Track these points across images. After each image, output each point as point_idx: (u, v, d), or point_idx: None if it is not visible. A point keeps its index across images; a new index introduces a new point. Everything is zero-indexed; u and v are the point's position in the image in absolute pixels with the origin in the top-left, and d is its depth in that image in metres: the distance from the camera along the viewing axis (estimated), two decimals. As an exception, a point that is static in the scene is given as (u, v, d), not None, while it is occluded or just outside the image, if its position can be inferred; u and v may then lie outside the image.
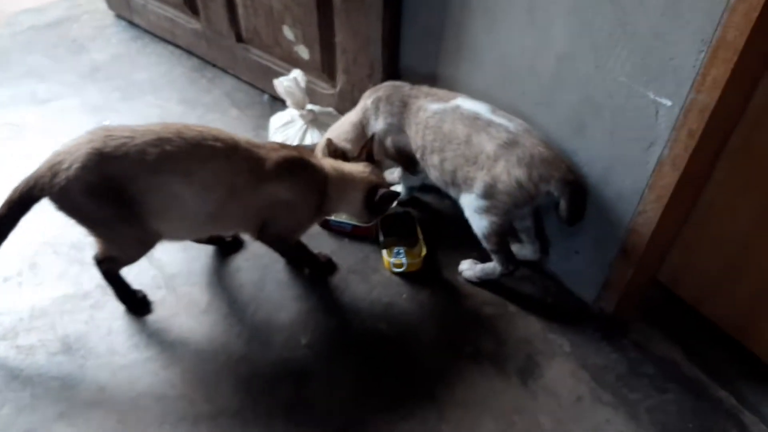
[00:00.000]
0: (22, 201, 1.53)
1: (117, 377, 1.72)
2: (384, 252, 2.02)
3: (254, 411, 1.64)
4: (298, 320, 1.87)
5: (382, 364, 1.78)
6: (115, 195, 1.50)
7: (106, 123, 2.54)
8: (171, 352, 1.78)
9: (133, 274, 1.86)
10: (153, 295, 1.92)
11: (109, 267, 1.76)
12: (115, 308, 1.87)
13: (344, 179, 1.78)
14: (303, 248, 1.93)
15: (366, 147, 1.86)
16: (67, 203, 1.52)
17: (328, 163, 1.79)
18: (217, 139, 1.57)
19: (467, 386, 1.72)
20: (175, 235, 1.75)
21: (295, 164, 1.67)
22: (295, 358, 1.77)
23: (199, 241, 2.01)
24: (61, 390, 1.67)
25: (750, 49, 1.24)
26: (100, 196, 1.50)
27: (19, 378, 1.69)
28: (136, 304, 1.87)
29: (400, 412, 1.65)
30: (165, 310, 1.89)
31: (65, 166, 1.47)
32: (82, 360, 1.75)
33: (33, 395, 1.65)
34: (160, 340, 1.81)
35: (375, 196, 1.77)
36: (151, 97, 2.74)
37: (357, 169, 1.82)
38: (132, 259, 1.75)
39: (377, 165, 1.93)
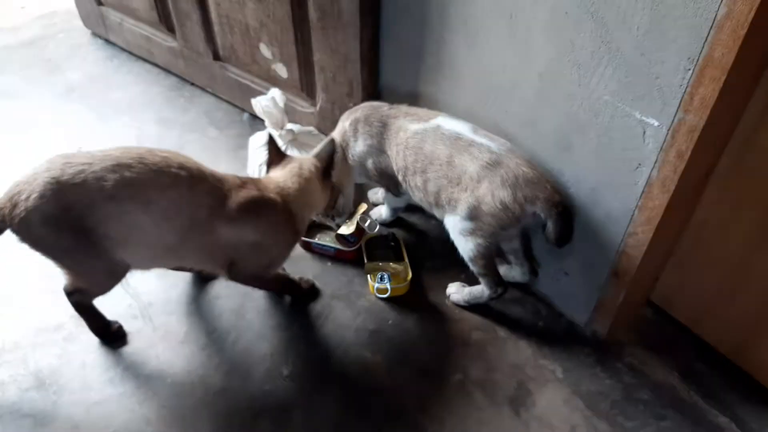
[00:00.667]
0: None
1: (91, 414, 1.64)
2: (368, 277, 1.96)
3: (233, 449, 1.57)
4: (280, 350, 1.80)
5: (368, 396, 1.71)
6: (75, 224, 1.43)
7: (80, 149, 2.48)
8: (147, 386, 1.71)
9: (108, 303, 1.77)
10: (128, 326, 1.84)
11: (80, 298, 1.69)
12: (90, 340, 1.80)
13: (301, 187, 1.70)
14: (282, 278, 1.87)
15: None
16: (28, 235, 1.45)
17: (278, 186, 1.68)
18: (182, 167, 1.49)
19: (457, 418, 1.66)
20: (143, 265, 1.67)
21: (259, 205, 1.59)
22: (277, 391, 1.70)
23: (175, 268, 1.94)
24: (32, 428, 1.60)
25: (739, 67, 1.20)
26: (59, 226, 1.43)
27: (-16, 418, 1.62)
28: (111, 335, 1.80)
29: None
30: (141, 342, 1.82)
31: (24, 196, 1.40)
32: (55, 396, 1.68)
33: (-1, 436, 1.58)
34: (135, 374, 1.74)
35: (330, 168, 1.77)
36: (128, 117, 2.67)
37: (300, 169, 1.73)
38: (102, 290, 1.67)
39: (334, 191, 1.89)
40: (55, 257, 1.53)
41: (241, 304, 1.92)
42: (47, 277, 1.92)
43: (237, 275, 1.71)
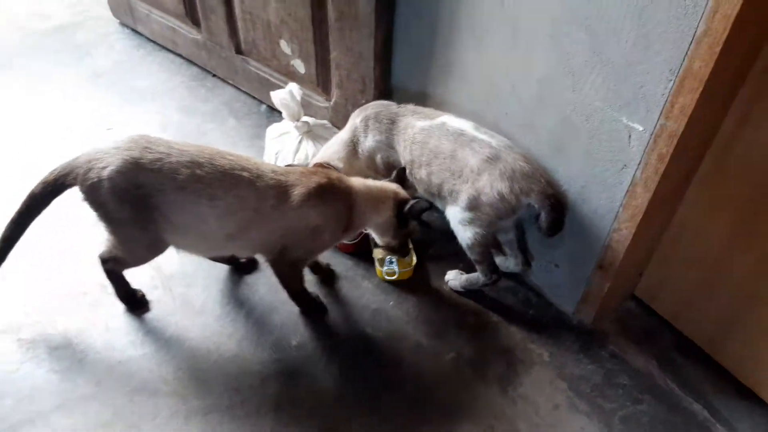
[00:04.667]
0: (56, 184, 1.64)
1: (113, 372, 1.79)
2: (377, 261, 2.10)
3: (243, 408, 1.72)
4: (289, 322, 1.95)
5: (368, 367, 1.86)
6: (139, 202, 1.59)
7: (110, 128, 2.63)
8: (165, 350, 1.86)
9: (131, 273, 1.93)
10: (150, 295, 2.00)
11: (113, 266, 1.84)
12: (114, 306, 1.95)
13: (373, 194, 1.84)
14: (302, 282, 1.95)
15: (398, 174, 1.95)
16: (95, 198, 1.61)
17: (358, 180, 1.84)
18: (243, 169, 1.65)
19: (448, 391, 1.80)
20: (191, 249, 1.83)
21: (327, 190, 1.72)
22: (285, 359, 1.85)
23: (215, 259, 2.08)
24: (59, 383, 1.75)
25: (715, 80, 1.33)
26: (125, 199, 1.59)
27: (19, 370, 1.77)
28: (135, 302, 1.95)
29: (383, 413, 1.74)
30: (161, 310, 1.97)
31: (102, 165, 1.57)
32: (81, 355, 1.83)
33: (33, 387, 1.73)
34: (155, 339, 1.89)
35: (404, 207, 1.84)
36: (152, 104, 2.82)
37: (384, 184, 1.89)
38: (138, 262, 1.84)
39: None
40: (110, 223, 1.69)
41: (255, 279, 2.07)
42: (76, 247, 2.09)
43: (281, 259, 1.81)
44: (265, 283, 2.05)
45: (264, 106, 2.83)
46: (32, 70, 2.99)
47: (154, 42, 3.19)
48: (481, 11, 1.78)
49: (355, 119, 2.08)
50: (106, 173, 1.56)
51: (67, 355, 1.83)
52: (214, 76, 2.99)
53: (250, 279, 2.07)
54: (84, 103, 2.80)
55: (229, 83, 2.94)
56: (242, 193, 1.64)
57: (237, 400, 1.73)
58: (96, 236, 2.11)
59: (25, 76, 2.95)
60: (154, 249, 1.76)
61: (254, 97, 2.86)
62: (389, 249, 2.05)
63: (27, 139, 2.57)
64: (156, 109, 2.80)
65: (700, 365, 1.91)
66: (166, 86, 2.94)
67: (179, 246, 1.78)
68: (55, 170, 1.65)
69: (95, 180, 1.57)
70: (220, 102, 2.86)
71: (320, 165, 2.01)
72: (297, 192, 1.68)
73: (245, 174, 1.64)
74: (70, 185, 1.63)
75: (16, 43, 3.18)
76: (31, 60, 3.06)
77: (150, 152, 1.59)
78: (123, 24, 3.32)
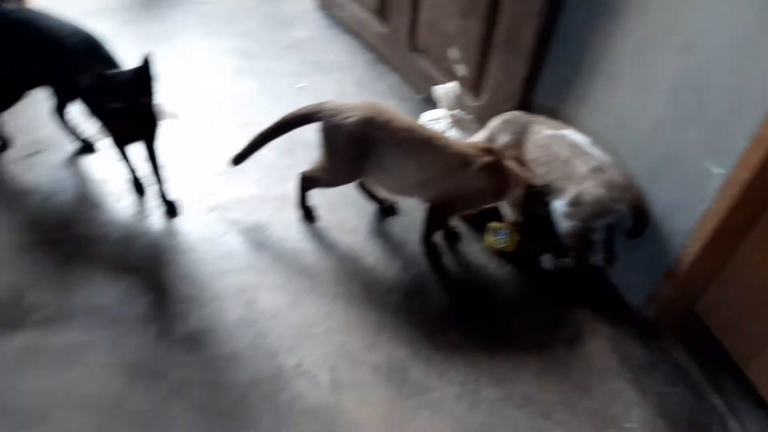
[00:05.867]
0: (305, 117, 2.31)
1: (286, 255, 2.44)
2: (491, 231, 2.60)
3: (372, 303, 2.30)
4: (413, 256, 2.51)
5: (467, 300, 2.39)
6: (364, 146, 2.23)
7: (300, 85, 3.33)
8: (324, 251, 2.49)
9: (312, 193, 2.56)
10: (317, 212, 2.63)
11: (308, 184, 2.49)
12: (290, 214, 2.60)
13: (518, 174, 2.40)
14: (439, 230, 2.54)
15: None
16: (332, 135, 2.24)
17: (511, 162, 2.40)
18: (438, 139, 2.27)
19: (524, 336, 2.31)
20: (385, 187, 2.46)
21: (495, 166, 2.27)
22: (406, 280, 2.41)
23: (369, 198, 2.68)
24: (248, 252, 2.43)
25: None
26: (355, 142, 2.22)
27: (222, 238, 2.46)
28: (309, 214, 2.60)
29: (474, 334, 2.26)
30: (324, 224, 2.60)
31: (346, 115, 2.21)
32: (266, 238, 2.50)
33: (230, 251, 2.41)
34: (317, 242, 2.52)
35: (530, 189, 2.41)
36: (334, 74, 3.49)
37: (521, 170, 2.45)
38: (333, 185, 2.46)
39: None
40: (332, 155, 2.30)
41: (392, 220, 2.67)
42: (268, 166, 2.77)
43: (441, 206, 2.35)
44: (400, 225, 2.64)
45: (420, 97, 3.42)
46: (246, 28, 3.76)
47: (344, 25, 3.86)
48: (617, 62, 2.25)
49: (496, 121, 2.60)
50: (348, 120, 2.20)
51: (257, 234, 2.50)
52: (387, 63, 3.61)
53: (390, 219, 2.67)
54: (282, 63, 3.52)
55: (397, 72, 3.55)
56: (436, 156, 2.25)
57: (369, 297, 2.32)
58: (288, 162, 2.78)
59: (240, 32, 3.72)
60: (352, 179, 2.42)
61: (414, 88, 3.45)
62: (513, 223, 2.58)
63: (236, 81, 3.31)
64: (337, 79, 3.46)
65: (732, 374, 2.26)
66: (348, 63, 3.60)
67: (378, 182, 2.40)
68: (305, 108, 2.30)
69: (338, 123, 2.21)
70: (387, 85, 3.48)
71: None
72: (475, 162, 2.26)
73: (440, 143, 2.26)
74: (315, 121, 2.28)
75: (235, 6, 3.96)
76: (246, 20, 3.83)
77: (380, 116, 2.22)
78: (322, 5, 4.03)
